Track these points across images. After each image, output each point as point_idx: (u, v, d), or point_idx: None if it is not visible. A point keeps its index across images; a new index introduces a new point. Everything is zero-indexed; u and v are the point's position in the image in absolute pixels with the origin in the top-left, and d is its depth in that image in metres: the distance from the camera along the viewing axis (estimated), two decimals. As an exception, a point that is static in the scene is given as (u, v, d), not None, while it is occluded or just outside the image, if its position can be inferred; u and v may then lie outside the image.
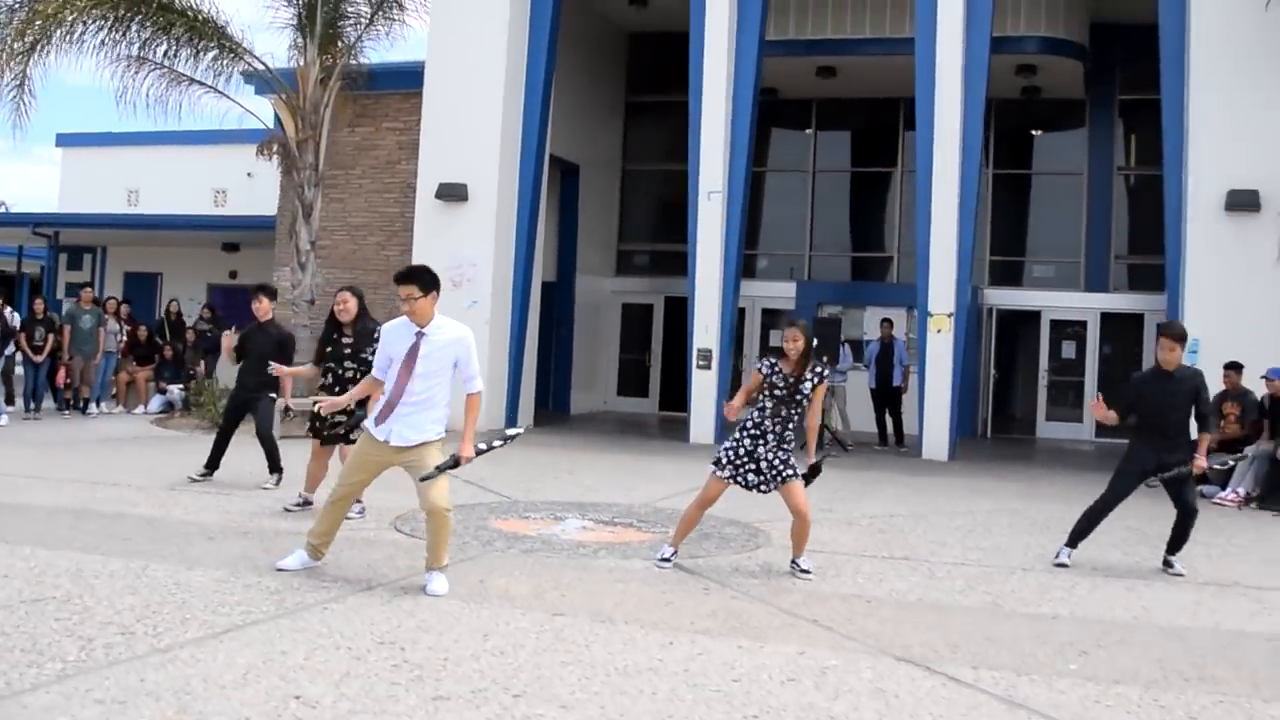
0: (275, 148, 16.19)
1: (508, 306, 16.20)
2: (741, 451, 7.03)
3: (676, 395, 20.08)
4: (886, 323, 16.59)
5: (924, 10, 14.52)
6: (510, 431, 6.83)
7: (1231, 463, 10.05)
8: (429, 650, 5.05)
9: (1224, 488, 11.27)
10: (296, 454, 9.83)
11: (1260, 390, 11.82)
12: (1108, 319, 18.38)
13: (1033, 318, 18.78)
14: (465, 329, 6.36)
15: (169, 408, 16.93)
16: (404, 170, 17.75)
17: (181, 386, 16.93)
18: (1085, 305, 18.35)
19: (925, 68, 14.45)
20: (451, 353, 6.20)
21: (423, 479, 6.12)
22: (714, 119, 15.34)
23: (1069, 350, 18.44)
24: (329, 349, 8.51)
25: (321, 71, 15.85)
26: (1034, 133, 19.64)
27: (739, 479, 7.05)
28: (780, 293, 19.67)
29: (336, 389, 8.36)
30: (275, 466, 9.72)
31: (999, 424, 18.93)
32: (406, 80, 17.43)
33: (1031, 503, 10.93)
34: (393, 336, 6.25)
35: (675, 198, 21.65)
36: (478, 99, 15.86)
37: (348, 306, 8.46)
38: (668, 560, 7.16)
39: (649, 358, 21.00)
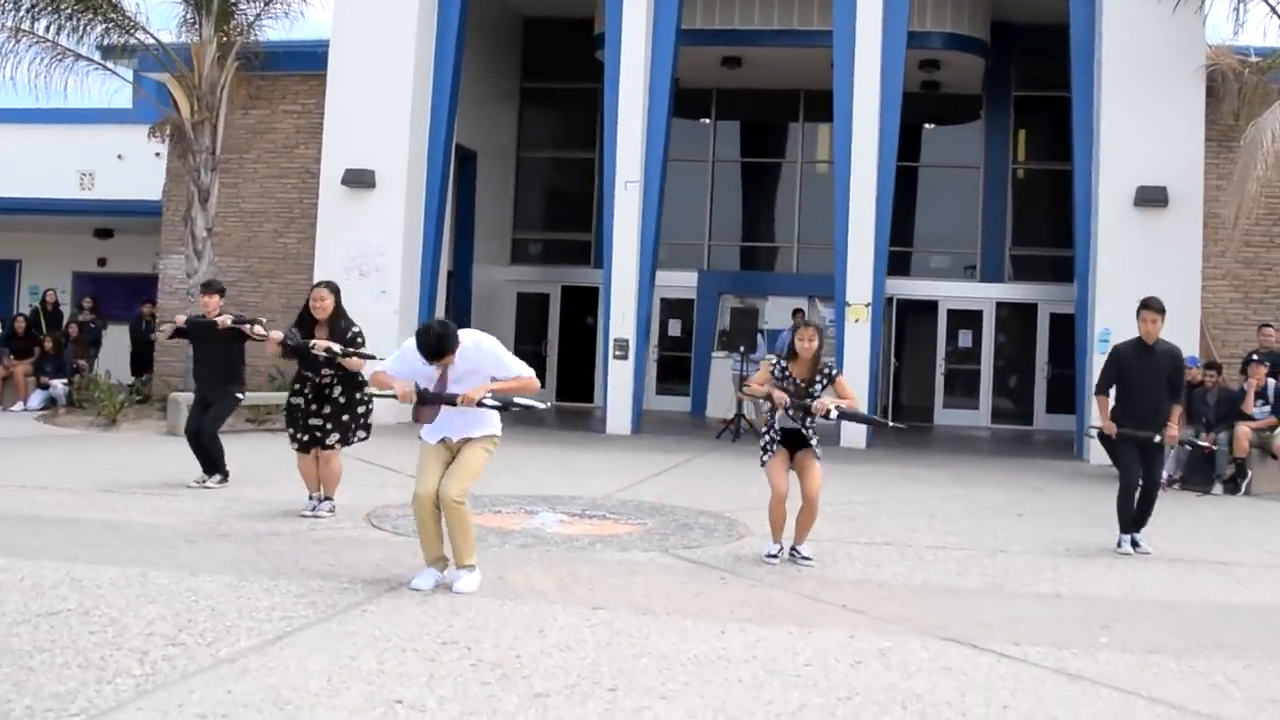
0: (169, 130, 15.42)
1: (416, 296, 15.82)
2: (779, 435, 7.12)
3: (575, 386, 19.99)
4: (799, 312, 16.84)
5: (842, 3, 14.71)
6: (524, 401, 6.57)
7: (1214, 446, 10.54)
8: (495, 649, 4.88)
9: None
10: (238, 450, 9.40)
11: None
12: (1003, 308, 19.06)
13: (930, 307, 19.31)
14: (480, 336, 6.05)
15: (51, 403, 15.94)
16: (303, 155, 17.08)
17: (66, 381, 15.97)
18: (981, 295, 18.98)
19: (844, 60, 14.65)
20: (479, 369, 5.95)
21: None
22: (630, 109, 15.25)
23: (965, 339, 19.03)
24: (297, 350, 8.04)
25: (218, 50, 15.15)
26: (931, 126, 20.16)
27: (788, 446, 7.12)
28: (680, 282, 19.68)
29: (314, 400, 7.96)
30: (219, 468, 9.20)
31: (897, 412, 19.36)
32: (305, 61, 16.78)
33: (972, 488, 11.26)
34: (415, 359, 5.91)
35: (571, 185, 21.59)
36: (386, 83, 15.38)
37: (324, 305, 7.93)
38: (775, 557, 7.12)
39: (545, 347, 20.79)
